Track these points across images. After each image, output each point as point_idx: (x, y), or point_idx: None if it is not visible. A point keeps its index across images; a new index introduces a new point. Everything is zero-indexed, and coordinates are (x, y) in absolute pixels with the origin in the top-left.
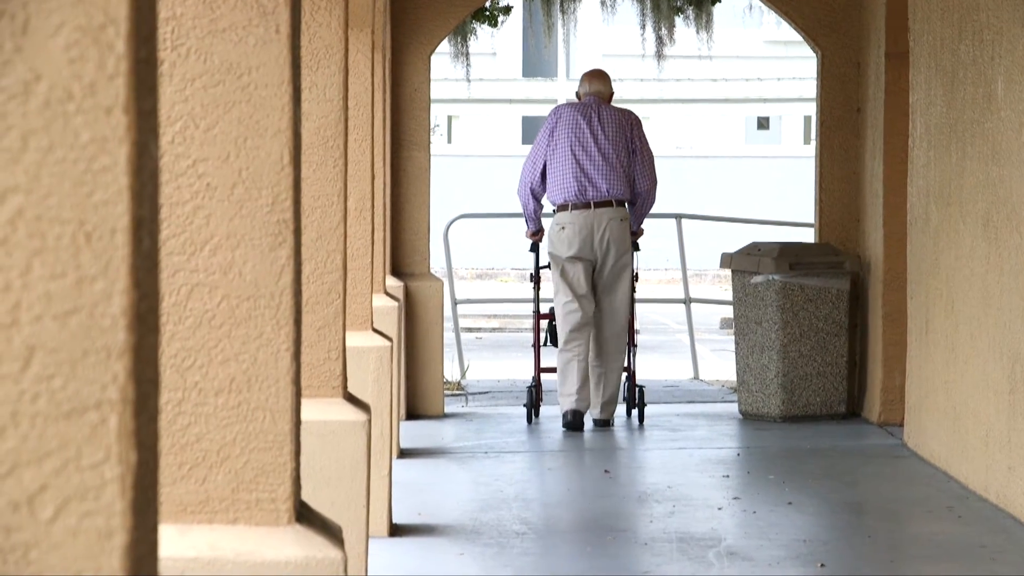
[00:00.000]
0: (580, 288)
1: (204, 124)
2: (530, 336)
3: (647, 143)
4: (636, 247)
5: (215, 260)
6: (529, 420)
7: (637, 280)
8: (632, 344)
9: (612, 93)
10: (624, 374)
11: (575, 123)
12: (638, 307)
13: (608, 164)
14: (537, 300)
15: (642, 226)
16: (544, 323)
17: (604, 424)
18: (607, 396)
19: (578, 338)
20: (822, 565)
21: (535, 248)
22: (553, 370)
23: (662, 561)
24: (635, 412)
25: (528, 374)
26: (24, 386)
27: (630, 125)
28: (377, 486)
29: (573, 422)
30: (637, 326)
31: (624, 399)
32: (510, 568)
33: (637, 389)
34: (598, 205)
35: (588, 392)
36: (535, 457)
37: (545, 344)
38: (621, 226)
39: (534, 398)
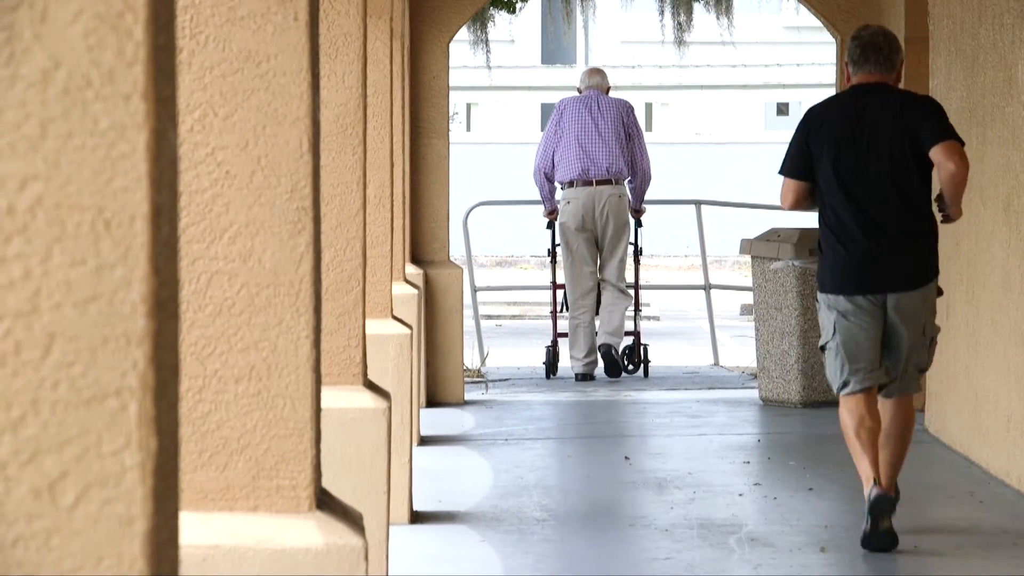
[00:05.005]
0: (584, 257)
1: (223, 112)
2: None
3: (640, 128)
4: (639, 223)
5: (234, 248)
6: (548, 376)
7: (641, 254)
8: (637, 308)
9: (609, 87)
10: (631, 338)
11: (579, 113)
12: (657, 293)
13: (607, 147)
14: (554, 272)
15: (643, 204)
16: (560, 292)
17: (607, 351)
18: (612, 327)
19: (583, 304)
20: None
21: (551, 226)
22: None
23: (682, 547)
24: (642, 368)
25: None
26: (44, 373)
27: (626, 112)
28: (397, 473)
29: (583, 379)
30: (657, 312)
31: (627, 354)
32: (530, 555)
33: (642, 347)
34: (599, 183)
35: (595, 358)
36: (555, 444)
37: (561, 311)
38: (620, 202)
39: (552, 357)
